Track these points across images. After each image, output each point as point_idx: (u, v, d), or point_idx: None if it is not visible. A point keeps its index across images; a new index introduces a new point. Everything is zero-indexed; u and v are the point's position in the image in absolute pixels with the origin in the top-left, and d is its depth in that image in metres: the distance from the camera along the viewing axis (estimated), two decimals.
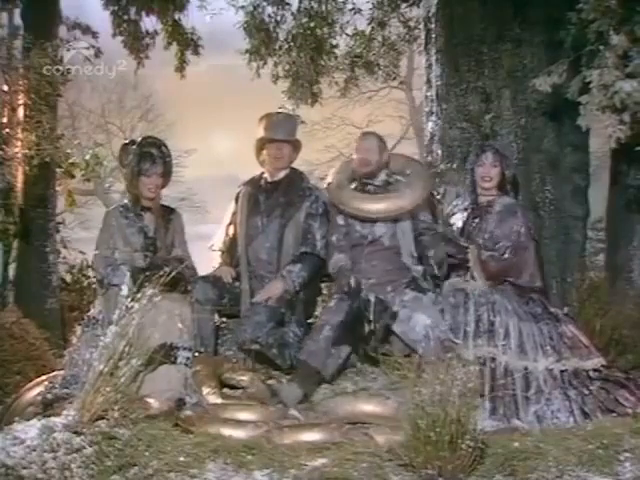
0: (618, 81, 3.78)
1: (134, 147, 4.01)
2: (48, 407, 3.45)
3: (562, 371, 3.54)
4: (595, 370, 3.58)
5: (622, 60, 3.85)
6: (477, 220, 3.98)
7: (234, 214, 4.21)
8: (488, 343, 3.56)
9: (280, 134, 4.09)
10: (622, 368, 3.80)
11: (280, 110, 4.40)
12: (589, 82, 3.91)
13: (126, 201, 4.07)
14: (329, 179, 4.19)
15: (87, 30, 6.50)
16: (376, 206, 3.94)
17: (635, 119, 3.84)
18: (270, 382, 3.64)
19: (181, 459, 2.78)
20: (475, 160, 4.04)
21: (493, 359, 3.52)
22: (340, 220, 4.03)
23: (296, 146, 4.17)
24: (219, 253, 4.21)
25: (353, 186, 4.06)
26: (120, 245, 3.93)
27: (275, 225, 4.05)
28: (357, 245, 3.97)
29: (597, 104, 3.85)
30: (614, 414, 3.40)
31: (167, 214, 4.09)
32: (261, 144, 4.14)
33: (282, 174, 4.14)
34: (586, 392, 3.50)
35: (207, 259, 4.25)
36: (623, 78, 3.79)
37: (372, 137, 4.11)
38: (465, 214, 4.04)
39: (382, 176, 4.03)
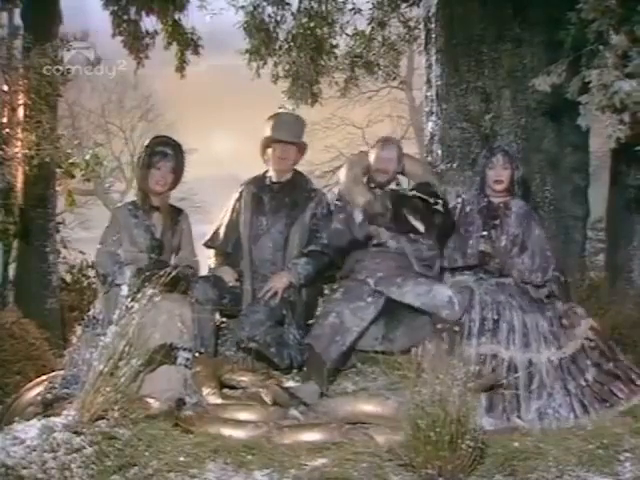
0: (618, 81, 3.78)
1: (146, 145, 4.02)
2: (48, 407, 3.44)
3: (561, 359, 3.55)
4: (589, 341, 3.60)
5: (622, 60, 3.85)
6: (497, 221, 3.97)
7: (234, 213, 4.19)
8: (491, 340, 3.57)
9: (287, 135, 4.09)
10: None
11: (289, 111, 4.41)
12: (589, 82, 3.91)
13: (134, 199, 4.06)
14: (342, 174, 4.21)
15: (85, 37, 6.48)
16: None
17: (635, 119, 3.84)
18: (287, 384, 3.62)
19: (181, 459, 2.78)
20: (486, 163, 4.04)
21: (495, 356, 3.52)
22: (344, 213, 4.05)
23: (301, 148, 4.18)
24: (213, 253, 4.22)
25: (367, 185, 4.08)
26: (126, 244, 3.91)
27: (280, 225, 4.05)
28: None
29: (597, 104, 3.85)
30: (607, 404, 3.42)
31: (175, 215, 4.07)
32: (267, 143, 4.14)
33: (288, 175, 4.15)
34: (583, 384, 3.50)
35: (207, 259, 4.24)
36: (623, 78, 3.79)
37: (393, 147, 4.13)
38: (479, 214, 4.02)
39: (393, 185, 4.08)
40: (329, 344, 3.61)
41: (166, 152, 3.95)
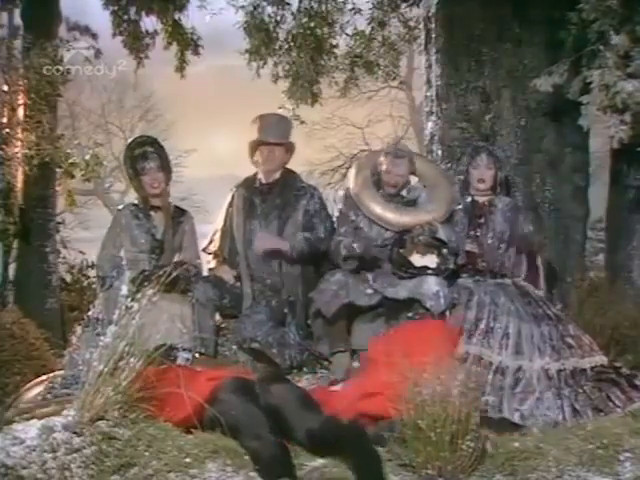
0: (619, 81, 3.78)
1: (125, 155, 4.04)
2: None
3: (560, 370, 3.53)
4: (593, 368, 3.58)
5: (623, 60, 3.85)
6: (482, 220, 3.98)
7: (227, 217, 4.19)
8: (482, 343, 3.56)
9: (272, 137, 4.08)
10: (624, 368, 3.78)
11: (278, 111, 4.41)
12: (590, 82, 3.91)
13: (136, 201, 4.07)
14: (351, 177, 4.17)
15: (86, 31, 6.49)
16: (398, 218, 3.95)
17: (636, 119, 3.84)
18: None
19: (181, 459, 2.78)
20: (470, 162, 4.07)
21: (480, 358, 3.49)
22: (352, 215, 4.03)
23: (289, 148, 4.16)
24: (212, 256, 4.22)
25: (377, 190, 4.05)
26: (127, 245, 3.93)
27: (273, 227, 4.04)
28: None
29: (598, 104, 3.86)
30: (602, 413, 3.39)
31: (178, 216, 4.08)
32: (254, 146, 4.13)
33: (277, 175, 4.13)
34: (580, 390, 3.49)
35: (207, 259, 4.24)
36: (624, 78, 3.79)
37: (404, 162, 4.04)
38: (464, 214, 4.03)
39: (404, 191, 4.06)
40: (331, 298, 3.67)
41: (147, 154, 3.96)
